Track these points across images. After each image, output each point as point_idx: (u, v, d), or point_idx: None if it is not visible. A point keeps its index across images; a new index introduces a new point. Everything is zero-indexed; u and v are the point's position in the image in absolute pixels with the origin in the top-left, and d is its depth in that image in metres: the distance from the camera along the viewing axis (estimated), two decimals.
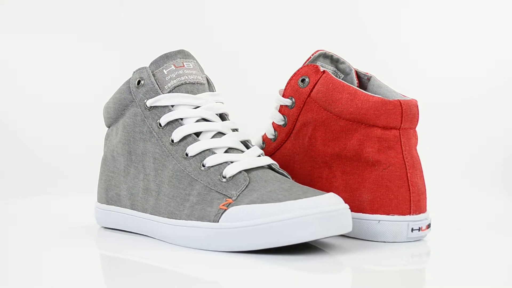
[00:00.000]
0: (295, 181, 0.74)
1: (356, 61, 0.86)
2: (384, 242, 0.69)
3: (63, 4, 1.14)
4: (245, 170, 0.67)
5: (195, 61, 0.73)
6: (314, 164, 0.72)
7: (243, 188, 0.65)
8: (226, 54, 1.14)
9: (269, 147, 0.76)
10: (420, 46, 1.26)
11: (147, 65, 0.72)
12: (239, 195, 0.65)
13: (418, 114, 0.69)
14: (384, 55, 1.23)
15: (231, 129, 0.71)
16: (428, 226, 0.70)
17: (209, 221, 0.65)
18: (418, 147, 0.71)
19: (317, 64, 0.76)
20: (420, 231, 0.69)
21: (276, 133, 0.75)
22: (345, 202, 0.70)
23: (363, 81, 0.75)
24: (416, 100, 0.70)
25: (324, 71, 0.71)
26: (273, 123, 0.76)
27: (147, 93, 0.71)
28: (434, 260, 0.67)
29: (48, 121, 1.12)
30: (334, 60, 0.76)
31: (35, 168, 1.07)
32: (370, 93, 0.69)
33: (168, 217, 0.68)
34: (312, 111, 0.72)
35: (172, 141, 0.69)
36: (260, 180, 0.66)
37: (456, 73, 1.24)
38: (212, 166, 0.67)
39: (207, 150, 0.68)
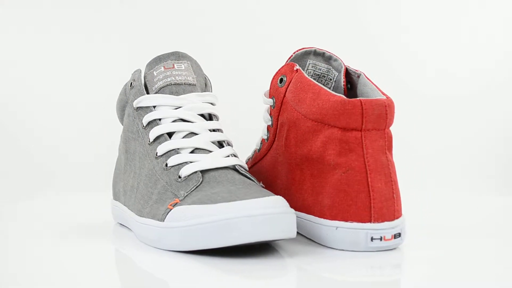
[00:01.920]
0: (277, 183, 0.72)
1: (356, 57, 0.81)
2: (343, 250, 0.65)
3: (63, 4, 1.15)
4: (205, 171, 0.67)
5: (188, 62, 0.74)
6: (289, 166, 0.70)
7: (193, 189, 0.65)
8: (230, 54, 1.12)
9: (263, 148, 0.75)
10: (421, 40, 1.19)
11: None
12: (186, 195, 0.65)
13: (387, 114, 0.64)
14: (384, 50, 1.18)
15: (210, 129, 0.71)
16: (396, 235, 0.64)
17: (158, 220, 0.66)
18: (418, 146, 0.67)
19: (308, 62, 0.73)
20: (383, 241, 0.64)
21: (268, 133, 0.74)
22: (311, 206, 0.67)
23: (354, 79, 0.71)
24: (386, 100, 0.64)
25: (297, 70, 0.69)
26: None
27: (135, 94, 0.74)
28: (396, 274, 0.62)
29: (50, 121, 1.12)
30: (326, 58, 0.73)
31: (43, 168, 1.07)
32: (334, 93, 0.65)
33: (136, 214, 0.70)
34: (287, 111, 0.70)
35: (149, 140, 0.71)
36: (213, 181, 0.66)
37: (457, 68, 1.18)
38: (172, 166, 0.68)
39: (173, 150, 0.69)
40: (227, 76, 0.91)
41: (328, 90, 0.65)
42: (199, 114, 0.72)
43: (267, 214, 0.60)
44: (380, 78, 1.14)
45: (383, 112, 0.64)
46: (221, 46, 1.13)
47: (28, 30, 1.13)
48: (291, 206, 0.70)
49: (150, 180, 0.69)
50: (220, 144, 0.71)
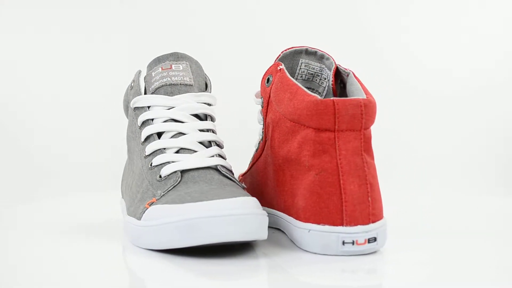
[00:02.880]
0: (267, 184, 0.71)
1: (356, 57, 0.79)
2: (315, 253, 0.63)
3: (64, 4, 1.15)
4: (185, 171, 0.67)
5: (187, 63, 0.75)
6: (274, 167, 0.69)
7: (170, 188, 0.66)
8: (232, 54, 1.11)
9: (259, 148, 0.74)
10: (421, 40, 1.17)
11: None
12: (163, 195, 0.66)
13: (362, 114, 0.62)
14: (384, 50, 1.16)
15: (201, 130, 0.71)
16: (371, 240, 0.62)
17: (137, 218, 0.67)
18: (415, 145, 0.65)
19: (300, 61, 0.72)
20: (355, 245, 0.62)
21: (262, 134, 0.73)
22: (289, 208, 0.66)
23: (345, 78, 0.70)
24: (363, 100, 0.62)
25: (280, 70, 0.68)
26: None
27: (134, 94, 0.75)
28: (368, 280, 0.60)
29: (50, 121, 1.12)
30: (319, 57, 0.71)
31: (43, 168, 1.06)
32: (310, 93, 0.64)
33: (126, 212, 0.72)
34: (272, 111, 0.69)
35: (141, 140, 0.72)
36: (190, 181, 0.66)
37: (457, 68, 1.16)
38: (156, 166, 0.69)
39: (159, 149, 0.70)
40: (232, 76, 0.91)
41: (305, 90, 0.64)
42: (192, 114, 0.72)
43: (229, 215, 0.60)
44: (380, 78, 1.13)
45: (358, 112, 0.62)
46: (224, 46, 1.13)
47: (27, 30, 1.14)
48: (277, 207, 0.69)
49: (139, 179, 0.70)
50: (208, 145, 0.71)
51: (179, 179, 0.66)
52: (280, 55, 0.71)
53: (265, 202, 0.72)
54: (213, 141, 0.71)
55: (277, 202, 0.69)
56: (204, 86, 0.75)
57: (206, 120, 0.73)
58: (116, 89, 0.82)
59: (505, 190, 1.02)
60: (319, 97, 0.63)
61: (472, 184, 1.05)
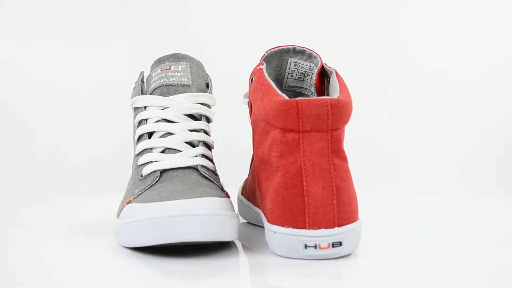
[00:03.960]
0: (255, 185, 0.71)
1: (356, 57, 0.77)
2: (281, 256, 0.62)
3: (64, 4, 1.14)
4: (165, 170, 0.68)
5: (187, 64, 0.76)
6: (255, 167, 0.69)
7: (147, 187, 0.67)
8: (236, 55, 1.08)
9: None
10: (421, 39, 1.16)
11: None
12: (140, 193, 0.67)
13: (328, 115, 0.60)
14: (384, 49, 1.15)
15: (191, 130, 0.72)
16: (335, 244, 0.60)
17: (117, 217, 0.68)
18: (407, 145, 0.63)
19: (289, 60, 0.71)
20: (318, 249, 0.60)
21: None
22: (264, 209, 0.66)
23: (329, 76, 0.68)
24: (330, 99, 0.60)
25: (260, 69, 0.67)
26: None
27: (134, 95, 0.77)
28: (330, 286, 0.58)
29: (50, 121, 1.11)
30: (307, 55, 0.70)
31: (42, 168, 1.06)
32: (280, 93, 0.63)
33: None
34: (253, 111, 0.68)
35: (135, 140, 0.74)
36: (167, 181, 0.67)
37: (457, 66, 1.15)
38: (140, 165, 0.70)
39: (146, 149, 0.71)
40: (235, 77, 0.90)
41: (276, 90, 0.63)
42: (186, 115, 0.73)
43: (189, 215, 0.60)
44: (380, 78, 1.10)
45: (323, 112, 0.60)
46: (226, 46, 1.13)
47: (28, 30, 1.15)
48: (261, 208, 0.69)
49: (131, 178, 0.72)
50: (197, 145, 0.71)
51: (157, 178, 0.67)
52: (264, 54, 0.71)
53: (256, 202, 0.72)
54: (202, 141, 0.71)
55: (260, 202, 0.68)
56: (205, 87, 0.76)
57: (201, 120, 0.73)
58: (116, 89, 0.83)
59: (505, 190, 0.99)
60: (286, 97, 0.61)
61: (472, 184, 1.02)
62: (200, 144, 0.71)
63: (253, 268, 0.62)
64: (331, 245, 0.60)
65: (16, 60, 1.14)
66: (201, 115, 0.73)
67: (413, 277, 0.58)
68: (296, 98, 0.61)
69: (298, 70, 0.71)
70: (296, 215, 0.60)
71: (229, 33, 1.15)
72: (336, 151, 0.61)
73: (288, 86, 0.73)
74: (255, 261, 0.63)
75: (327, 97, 0.61)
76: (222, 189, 0.68)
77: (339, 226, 0.60)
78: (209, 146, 0.72)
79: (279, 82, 0.72)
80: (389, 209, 0.89)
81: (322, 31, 1.13)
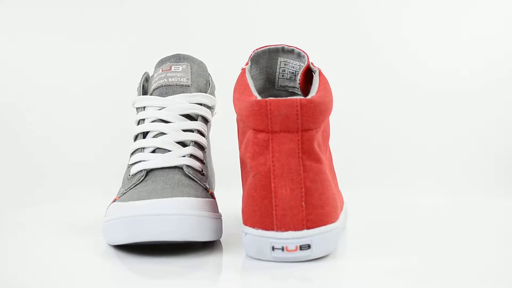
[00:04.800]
0: None
1: (356, 57, 0.75)
2: (254, 258, 0.61)
3: (65, 4, 1.14)
4: (152, 170, 0.69)
5: (188, 64, 0.76)
6: (240, 168, 0.68)
7: (131, 187, 0.68)
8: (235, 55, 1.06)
9: None
10: (421, 38, 1.15)
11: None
12: (124, 192, 0.68)
13: (298, 115, 0.59)
14: (384, 49, 1.14)
15: (184, 130, 0.72)
16: (303, 247, 0.59)
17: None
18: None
19: (279, 60, 0.70)
20: (285, 252, 0.59)
21: None
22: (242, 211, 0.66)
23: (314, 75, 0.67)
24: (300, 99, 0.59)
25: (243, 69, 0.67)
26: None
27: (136, 95, 0.78)
28: None
29: (51, 121, 1.11)
30: (296, 54, 0.69)
31: (42, 168, 1.05)
32: (255, 93, 0.62)
33: None
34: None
35: (133, 140, 0.75)
36: (150, 180, 0.67)
37: (457, 66, 1.13)
38: (131, 164, 0.71)
39: (138, 149, 0.72)
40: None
41: (251, 90, 0.63)
42: (183, 115, 0.73)
43: (156, 214, 0.61)
44: (380, 78, 1.07)
45: (293, 113, 0.59)
46: (232, 46, 1.12)
47: (28, 30, 1.15)
48: None
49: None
50: (187, 145, 0.71)
51: (143, 178, 0.68)
52: (251, 54, 0.70)
53: None
54: (194, 142, 0.71)
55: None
56: (207, 87, 0.76)
57: (197, 120, 0.74)
58: (118, 89, 0.84)
59: (505, 190, 0.97)
60: (258, 97, 0.61)
61: (472, 184, 1.00)
62: (191, 144, 0.71)
63: (226, 268, 0.62)
64: (298, 248, 0.59)
65: (16, 60, 1.14)
66: (198, 115, 0.74)
67: (398, 280, 0.57)
68: (267, 98, 0.60)
69: (289, 70, 0.70)
70: (265, 217, 0.60)
71: (234, 34, 1.15)
72: (308, 152, 0.60)
73: (281, 86, 0.72)
74: (229, 262, 0.63)
75: (299, 97, 0.60)
76: (206, 189, 0.68)
77: (308, 228, 0.59)
78: (201, 147, 0.72)
79: (271, 82, 0.72)
80: (389, 209, 0.87)
81: (322, 31, 1.13)
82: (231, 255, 0.64)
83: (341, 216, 0.66)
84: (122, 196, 0.67)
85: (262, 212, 0.60)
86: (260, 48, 0.70)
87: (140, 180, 0.68)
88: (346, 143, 0.98)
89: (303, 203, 0.59)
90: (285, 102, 0.59)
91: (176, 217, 0.61)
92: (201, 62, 0.77)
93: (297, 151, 0.60)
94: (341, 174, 0.76)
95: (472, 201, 0.92)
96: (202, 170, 0.70)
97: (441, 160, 1.05)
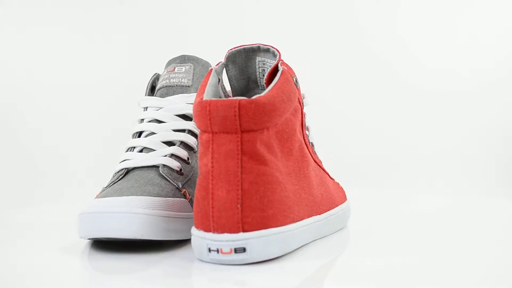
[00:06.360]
0: None
1: (356, 57, 0.73)
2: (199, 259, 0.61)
3: (66, 4, 1.12)
4: (132, 169, 0.70)
5: (191, 65, 0.77)
6: None
7: (110, 185, 0.70)
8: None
9: None
10: (421, 38, 1.14)
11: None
12: (103, 190, 0.70)
13: (236, 116, 0.58)
14: (384, 49, 1.13)
15: (175, 130, 0.73)
16: (238, 250, 0.58)
17: None
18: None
19: (257, 60, 0.69)
20: (220, 254, 0.58)
21: None
22: None
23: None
24: (241, 100, 0.58)
25: (210, 69, 0.67)
26: None
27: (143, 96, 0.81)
28: None
29: (50, 121, 1.10)
30: (272, 53, 0.68)
31: (41, 169, 1.05)
32: (205, 94, 0.62)
33: None
34: None
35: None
36: (126, 179, 0.69)
37: (457, 66, 1.12)
38: (119, 163, 0.73)
39: (129, 148, 0.74)
40: None
41: (206, 91, 0.62)
42: (179, 115, 0.75)
43: (105, 212, 0.62)
44: (380, 77, 1.02)
45: (231, 113, 0.58)
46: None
47: (28, 30, 1.16)
48: None
49: None
50: (174, 144, 0.72)
51: (121, 176, 0.70)
52: (226, 54, 0.69)
53: None
54: (181, 142, 0.72)
55: None
56: None
57: (192, 120, 0.74)
58: (121, 90, 0.86)
59: (505, 190, 0.96)
60: (205, 98, 0.61)
61: (472, 184, 0.98)
62: (177, 144, 0.72)
63: (172, 269, 0.62)
64: (233, 251, 0.58)
65: (16, 60, 1.16)
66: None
67: (398, 280, 0.56)
68: (208, 99, 0.60)
69: (268, 69, 0.69)
70: (204, 218, 0.60)
71: (239, 34, 1.14)
72: (250, 154, 0.59)
73: (263, 85, 0.71)
74: (170, 265, 0.62)
75: (240, 97, 0.59)
76: (178, 188, 0.69)
77: (244, 231, 0.58)
78: (189, 147, 0.73)
79: (255, 81, 0.71)
80: (389, 209, 0.86)
81: (324, 32, 1.12)
82: (181, 256, 0.64)
83: (315, 218, 0.65)
84: (102, 193, 0.70)
85: (202, 213, 0.60)
86: (235, 48, 0.69)
87: (118, 178, 0.70)
88: (346, 143, 0.96)
89: (239, 206, 0.58)
90: (223, 103, 0.59)
91: (124, 215, 0.62)
92: (206, 62, 0.78)
93: (236, 152, 0.59)
94: (342, 174, 0.76)
95: (472, 201, 0.90)
96: (181, 170, 0.71)
97: (441, 160, 1.02)
